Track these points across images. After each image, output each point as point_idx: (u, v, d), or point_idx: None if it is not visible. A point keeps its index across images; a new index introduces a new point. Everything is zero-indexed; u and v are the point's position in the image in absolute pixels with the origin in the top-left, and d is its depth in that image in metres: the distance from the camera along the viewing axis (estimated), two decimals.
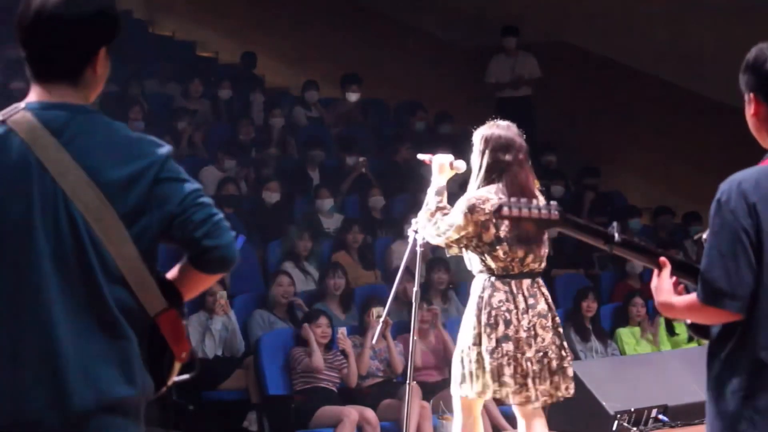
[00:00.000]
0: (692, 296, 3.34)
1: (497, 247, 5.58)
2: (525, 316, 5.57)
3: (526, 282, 5.63)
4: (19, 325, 2.69)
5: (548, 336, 5.61)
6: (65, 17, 2.78)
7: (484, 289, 5.62)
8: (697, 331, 3.50)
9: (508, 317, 5.55)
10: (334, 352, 8.14)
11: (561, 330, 5.71)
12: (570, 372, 5.66)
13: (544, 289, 5.72)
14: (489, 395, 5.61)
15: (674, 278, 3.46)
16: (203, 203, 2.80)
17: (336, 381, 8.07)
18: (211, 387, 8.31)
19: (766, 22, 12.24)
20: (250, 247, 9.85)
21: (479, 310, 5.60)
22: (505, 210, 3.48)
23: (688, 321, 3.51)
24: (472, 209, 5.57)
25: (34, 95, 2.84)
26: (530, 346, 5.54)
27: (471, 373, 5.59)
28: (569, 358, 5.69)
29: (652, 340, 9.69)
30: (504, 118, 5.93)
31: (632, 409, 7.91)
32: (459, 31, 14.66)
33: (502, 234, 5.56)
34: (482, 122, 5.84)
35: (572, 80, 13.85)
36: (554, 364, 5.59)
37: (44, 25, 2.79)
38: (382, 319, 6.23)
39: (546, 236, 5.73)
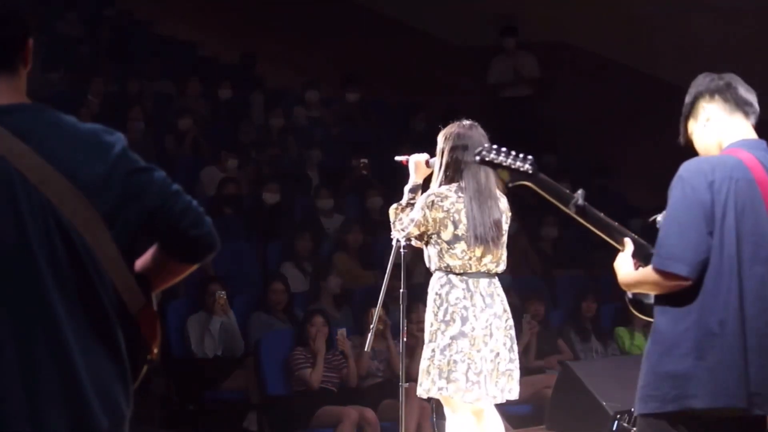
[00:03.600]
0: (648, 267, 3.62)
1: (455, 245, 5.62)
2: (482, 314, 5.60)
3: (483, 281, 5.67)
4: (32, 348, 2.55)
5: (500, 337, 5.65)
6: None
7: (441, 285, 5.65)
8: (639, 308, 3.85)
9: (465, 314, 5.59)
10: (333, 353, 8.13)
11: (512, 333, 5.74)
12: (516, 376, 5.70)
13: (501, 291, 5.74)
14: (434, 393, 5.62)
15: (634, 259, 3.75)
16: (178, 191, 2.72)
17: (336, 381, 8.07)
18: (211, 387, 8.31)
19: (766, 22, 12.26)
20: (249, 248, 9.85)
21: (437, 306, 5.64)
22: (484, 154, 3.74)
23: (630, 295, 3.84)
24: (431, 206, 5.63)
25: None
26: (485, 344, 5.59)
27: (424, 371, 5.63)
28: (516, 362, 5.72)
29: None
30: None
31: (632, 409, 7.90)
32: (459, 31, 14.66)
33: (460, 232, 5.60)
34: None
35: (571, 81, 13.85)
36: (503, 366, 5.63)
37: None
38: (373, 325, 6.21)
39: (504, 238, 5.76)
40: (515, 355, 5.72)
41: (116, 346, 2.67)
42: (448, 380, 5.54)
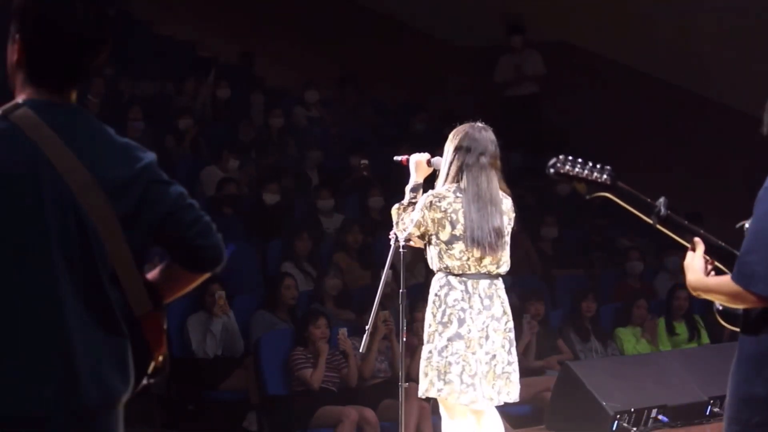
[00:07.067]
0: (725, 276, 3.38)
1: (453, 245, 5.61)
2: (479, 316, 5.59)
3: (483, 283, 5.64)
4: (32, 320, 2.71)
5: (498, 339, 5.63)
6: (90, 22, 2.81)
7: (441, 287, 5.65)
8: (729, 319, 3.53)
9: (462, 316, 5.58)
10: (333, 352, 8.13)
11: (512, 336, 5.72)
12: (514, 378, 5.67)
13: (502, 293, 5.71)
14: (433, 394, 5.62)
15: (708, 260, 3.48)
16: (192, 205, 2.88)
17: (336, 381, 8.06)
18: (211, 387, 8.31)
19: (766, 22, 12.25)
20: (249, 248, 9.85)
21: (435, 308, 5.65)
22: (558, 166, 3.50)
23: (719, 306, 3.54)
24: (429, 206, 5.64)
25: (32, 93, 2.83)
26: (481, 346, 5.57)
27: (423, 372, 5.63)
28: (515, 365, 5.69)
29: (651, 340, 9.70)
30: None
31: (632, 409, 7.90)
32: (460, 31, 14.66)
33: (458, 233, 5.60)
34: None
35: (571, 80, 13.85)
36: (499, 368, 5.61)
37: (71, 28, 2.79)
38: (368, 326, 6.18)
39: (506, 239, 5.73)
40: (514, 358, 5.69)
41: (117, 333, 2.80)
42: (445, 382, 5.55)
